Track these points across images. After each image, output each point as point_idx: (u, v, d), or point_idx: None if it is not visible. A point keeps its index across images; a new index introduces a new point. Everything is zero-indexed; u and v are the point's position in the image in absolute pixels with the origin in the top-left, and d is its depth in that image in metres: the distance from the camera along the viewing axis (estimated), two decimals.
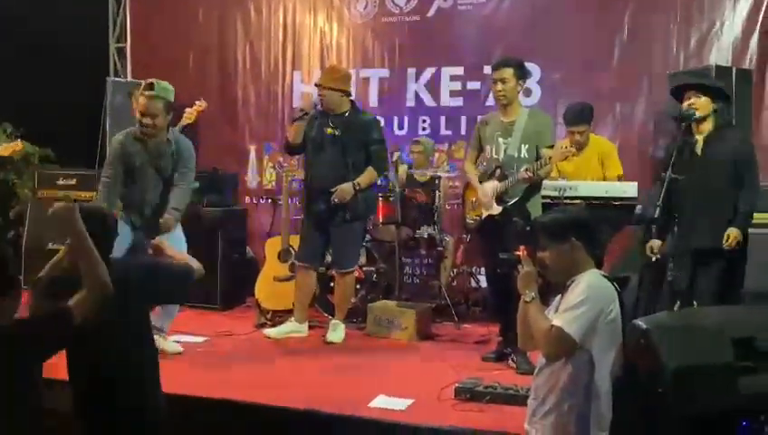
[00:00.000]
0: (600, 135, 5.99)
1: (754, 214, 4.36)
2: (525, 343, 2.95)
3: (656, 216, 3.91)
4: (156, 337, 4.78)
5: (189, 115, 5.52)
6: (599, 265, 2.88)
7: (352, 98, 5.34)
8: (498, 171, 4.70)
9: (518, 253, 2.91)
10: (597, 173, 5.47)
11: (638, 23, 6.25)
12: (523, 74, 4.74)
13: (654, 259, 4.19)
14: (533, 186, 4.67)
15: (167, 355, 4.47)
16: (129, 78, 7.46)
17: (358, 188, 5.12)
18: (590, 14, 6.39)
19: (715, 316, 3.23)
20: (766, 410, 3.12)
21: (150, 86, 4.58)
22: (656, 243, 4.27)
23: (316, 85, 5.23)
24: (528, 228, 4.35)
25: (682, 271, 4.11)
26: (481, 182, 4.78)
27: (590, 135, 5.52)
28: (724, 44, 6.01)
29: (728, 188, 4.14)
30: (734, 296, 4.15)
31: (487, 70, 6.60)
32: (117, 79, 7.34)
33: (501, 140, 4.71)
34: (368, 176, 5.18)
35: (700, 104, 4.19)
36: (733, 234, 4.05)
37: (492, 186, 4.69)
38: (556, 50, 6.46)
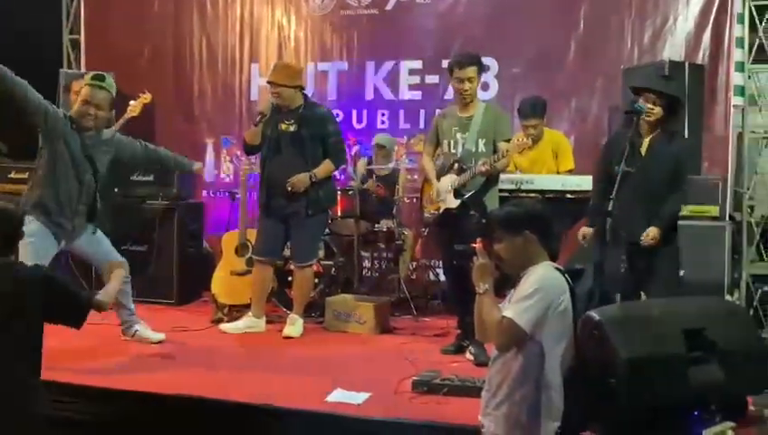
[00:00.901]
0: (557, 129, 6.04)
1: (694, 207, 4.68)
2: (481, 334, 2.96)
3: (610, 208, 3.94)
4: (137, 326, 4.78)
5: (134, 108, 5.44)
6: (553, 258, 2.90)
7: (305, 91, 5.31)
8: (456, 165, 4.71)
9: (474, 245, 2.92)
10: (551, 166, 5.54)
11: (594, 18, 6.30)
12: (482, 70, 4.78)
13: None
14: (490, 179, 4.70)
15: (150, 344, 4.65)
16: (83, 69, 7.32)
17: (314, 179, 5.09)
18: (546, 9, 6.43)
19: (666, 308, 3.27)
20: (717, 400, 3.18)
21: (101, 77, 4.50)
22: (587, 230, 4.38)
23: (269, 83, 5.17)
24: (484, 221, 4.36)
25: (619, 262, 4.16)
26: (439, 177, 4.79)
27: (543, 129, 5.57)
28: (677, 40, 6.09)
29: (662, 190, 4.22)
30: (672, 287, 4.22)
31: (446, 64, 6.67)
32: (70, 71, 7.19)
33: (458, 134, 4.72)
34: (325, 167, 5.16)
35: (657, 110, 4.23)
36: (653, 232, 4.14)
37: (449, 180, 4.70)
38: (514, 45, 6.49)
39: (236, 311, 5.59)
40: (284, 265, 5.75)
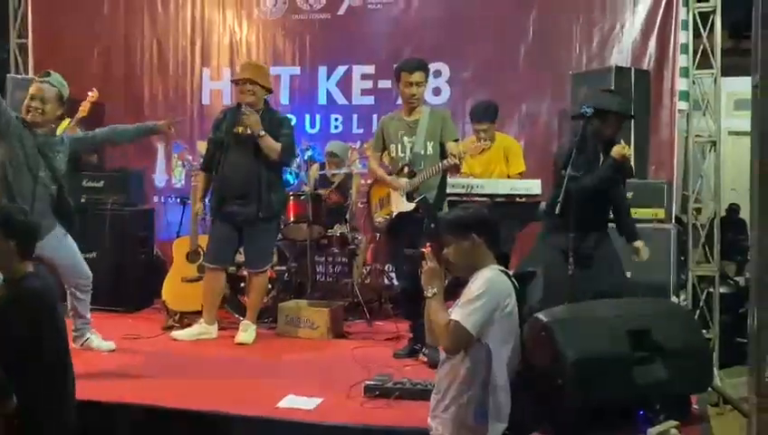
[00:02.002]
0: (507, 133, 6.11)
1: (641, 209, 4.89)
2: (431, 337, 2.99)
3: (557, 211, 4.00)
4: (88, 335, 4.71)
5: (83, 108, 5.37)
6: (502, 261, 2.94)
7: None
8: (406, 169, 4.73)
9: (423, 249, 2.94)
10: (502, 169, 5.60)
11: (543, 24, 6.39)
12: (428, 75, 4.84)
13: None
14: (441, 184, 4.72)
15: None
16: (31, 74, 7.17)
17: (262, 135, 5.02)
18: (497, 14, 6.50)
19: (611, 309, 3.34)
20: (661, 399, 3.25)
21: (47, 74, 4.53)
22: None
23: (244, 81, 5.12)
24: (433, 226, 4.39)
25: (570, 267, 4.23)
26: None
27: (495, 132, 5.63)
28: (624, 46, 6.20)
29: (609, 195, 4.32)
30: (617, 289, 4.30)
31: None
32: (17, 76, 7.04)
33: (406, 138, 4.75)
34: (273, 144, 5.06)
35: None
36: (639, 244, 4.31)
37: (403, 182, 4.72)
38: (465, 50, 6.55)
39: (188, 318, 5.54)
40: (237, 271, 5.71)
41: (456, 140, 4.76)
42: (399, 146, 4.77)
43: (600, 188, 4.21)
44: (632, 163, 4.84)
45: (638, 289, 4.39)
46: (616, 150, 4.20)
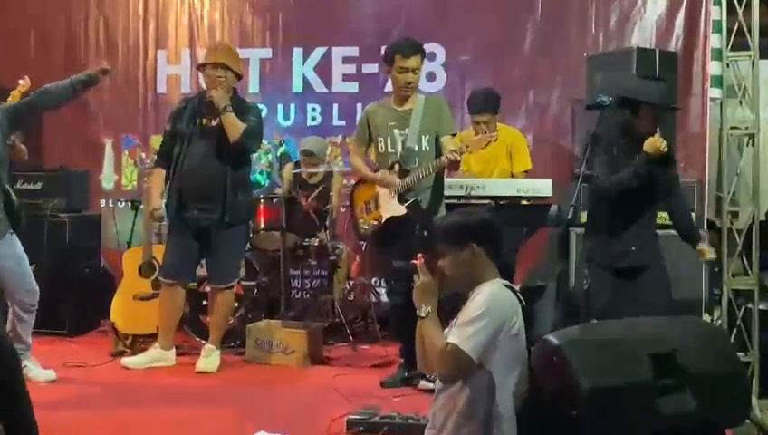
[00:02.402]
0: (513, 126, 6.15)
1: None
2: (423, 364, 2.99)
3: (569, 217, 4.03)
4: (26, 363, 4.70)
5: (13, 98, 5.36)
6: (506, 274, 2.96)
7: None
8: (396, 167, 4.74)
9: (414, 262, 2.96)
10: (505, 167, 5.63)
11: (552, 2, 6.45)
12: (424, 59, 4.85)
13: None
14: (437, 184, 4.75)
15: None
16: None
17: (228, 109, 5.03)
18: None
19: (632, 330, 3.35)
20: (690, 433, 3.26)
21: None
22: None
23: (215, 65, 5.13)
24: (426, 234, 4.41)
25: (600, 282, 4.26)
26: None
27: (496, 125, 5.66)
28: (647, 24, 6.28)
29: (657, 200, 4.36)
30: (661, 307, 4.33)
31: None
32: None
33: (396, 131, 4.77)
34: (236, 122, 5.06)
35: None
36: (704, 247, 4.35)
37: (394, 181, 4.73)
38: (463, 30, 6.59)
39: (141, 342, 5.53)
40: (198, 286, 5.71)
41: (454, 135, 4.78)
42: (389, 139, 4.78)
43: (624, 188, 4.23)
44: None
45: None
46: (649, 143, 4.15)
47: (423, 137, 4.73)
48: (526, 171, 5.66)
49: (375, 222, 4.85)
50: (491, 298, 2.80)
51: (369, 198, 4.91)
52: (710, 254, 4.37)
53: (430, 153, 4.71)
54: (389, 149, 4.78)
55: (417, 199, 4.68)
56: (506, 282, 2.91)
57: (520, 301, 2.86)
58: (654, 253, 4.34)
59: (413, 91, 4.78)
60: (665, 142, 4.20)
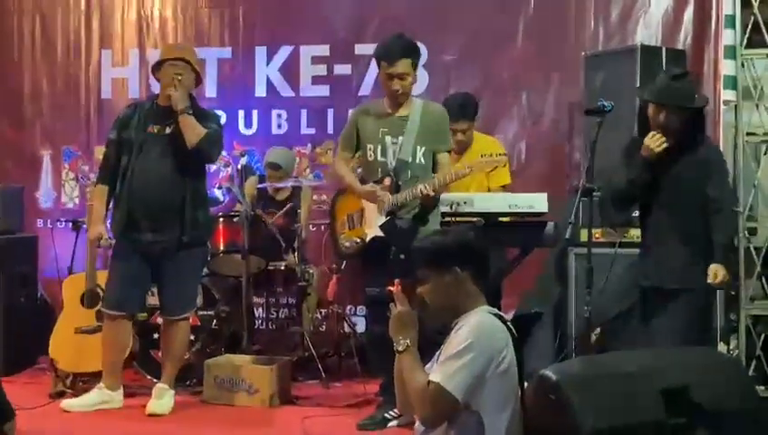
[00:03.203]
0: (504, 132, 6.18)
1: None
2: (402, 404, 2.98)
3: (567, 235, 4.05)
4: None
5: None
6: (494, 301, 2.96)
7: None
8: (387, 180, 4.72)
9: (391, 288, 2.95)
10: (481, 181, 5.65)
11: None
12: (417, 61, 4.84)
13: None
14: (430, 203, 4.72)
15: None
16: None
17: (189, 112, 5.01)
18: None
19: (640, 363, 3.35)
20: None
21: None
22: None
23: (175, 60, 5.11)
24: (402, 257, 4.38)
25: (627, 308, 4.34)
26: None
27: (474, 133, 5.69)
28: (652, 19, 6.32)
29: (698, 211, 4.31)
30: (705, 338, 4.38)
31: (360, 49, 6.76)
32: None
33: (388, 138, 4.75)
34: (194, 124, 5.03)
35: (674, 125, 4.25)
36: (718, 270, 4.20)
37: (389, 200, 4.70)
38: (447, 26, 6.62)
39: (84, 381, 5.49)
40: (149, 317, 5.68)
41: (450, 151, 4.78)
42: (379, 148, 4.77)
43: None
44: None
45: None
46: (643, 146, 4.21)
47: (418, 148, 4.70)
48: (504, 186, 5.68)
49: (358, 240, 4.83)
50: (478, 329, 2.79)
51: (353, 212, 4.89)
52: (721, 276, 4.25)
53: (426, 167, 4.71)
54: (379, 159, 4.76)
55: (392, 219, 4.63)
56: (494, 310, 2.90)
57: (510, 331, 2.85)
58: (693, 277, 4.26)
59: (405, 98, 4.77)
60: (661, 141, 4.19)
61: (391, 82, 4.72)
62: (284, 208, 6.16)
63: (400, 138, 4.73)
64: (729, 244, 4.40)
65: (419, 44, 6.32)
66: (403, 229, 4.64)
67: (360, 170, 4.99)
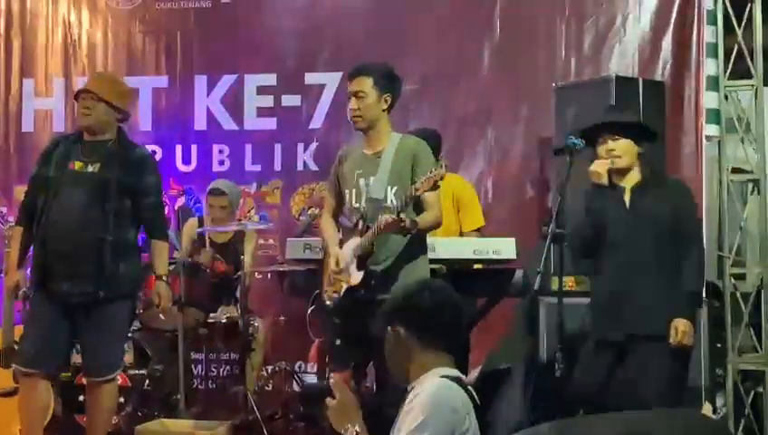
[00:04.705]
0: (469, 170, 6.22)
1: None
2: None
3: (536, 287, 4.05)
4: None
5: None
6: (462, 357, 2.93)
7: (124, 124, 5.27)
8: (360, 224, 4.67)
9: (330, 379, 2.94)
10: (451, 224, 5.62)
11: (514, 18, 6.56)
12: (389, 86, 4.76)
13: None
14: (414, 244, 4.65)
15: None
16: None
17: (166, 280, 5.11)
18: (450, 6, 6.67)
19: (614, 426, 3.35)
20: None
21: None
22: None
23: (84, 92, 5.08)
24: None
25: (594, 363, 4.33)
26: (342, 244, 4.74)
27: None
28: (627, 47, 6.40)
29: (665, 255, 4.39)
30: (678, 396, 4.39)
31: (311, 79, 6.78)
32: None
33: (362, 181, 4.70)
34: (163, 253, 5.14)
35: (622, 149, 4.45)
36: (681, 325, 4.28)
37: (354, 244, 4.65)
38: (405, 53, 6.60)
39: None
40: (72, 378, 5.61)
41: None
42: (354, 191, 4.72)
43: (581, 236, 4.42)
44: None
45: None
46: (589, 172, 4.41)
47: (390, 189, 4.65)
48: (478, 230, 5.68)
49: (335, 294, 4.77)
50: (431, 404, 2.73)
51: (332, 266, 4.84)
52: (681, 336, 4.28)
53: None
54: (354, 204, 4.71)
55: (390, 264, 4.59)
56: (454, 372, 2.84)
57: (472, 397, 2.82)
58: (661, 320, 4.34)
59: (363, 123, 4.70)
60: (602, 167, 4.43)
61: (349, 103, 4.70)
62: (225, 253, 6.10)
63: (372, 178, 4.69)
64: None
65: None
66: (378, 281, 4.55)
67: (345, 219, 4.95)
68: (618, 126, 4.51)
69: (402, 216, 4.36)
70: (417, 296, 2.95)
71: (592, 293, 4.63)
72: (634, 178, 4.50)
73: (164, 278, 5.09)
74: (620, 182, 4.49)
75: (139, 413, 5.77)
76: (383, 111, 4.69)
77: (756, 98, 6.07)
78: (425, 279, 4.10)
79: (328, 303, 4.79)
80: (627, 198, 4.48)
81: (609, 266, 4.44)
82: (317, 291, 5.05)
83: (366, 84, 4.65)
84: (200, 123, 6.99)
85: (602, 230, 4.42)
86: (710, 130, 6.11)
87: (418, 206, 4.56)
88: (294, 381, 6.36)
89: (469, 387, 2.83)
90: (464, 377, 2.89)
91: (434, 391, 2.78)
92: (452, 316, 2.96)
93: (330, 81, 6.75)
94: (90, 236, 4.98)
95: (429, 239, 5.18)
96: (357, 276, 4.58)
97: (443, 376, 2.83)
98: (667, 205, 4.43)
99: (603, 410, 4.04)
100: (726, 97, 6.12)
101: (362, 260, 4.58)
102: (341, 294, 4.67)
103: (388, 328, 2.85)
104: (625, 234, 4.40)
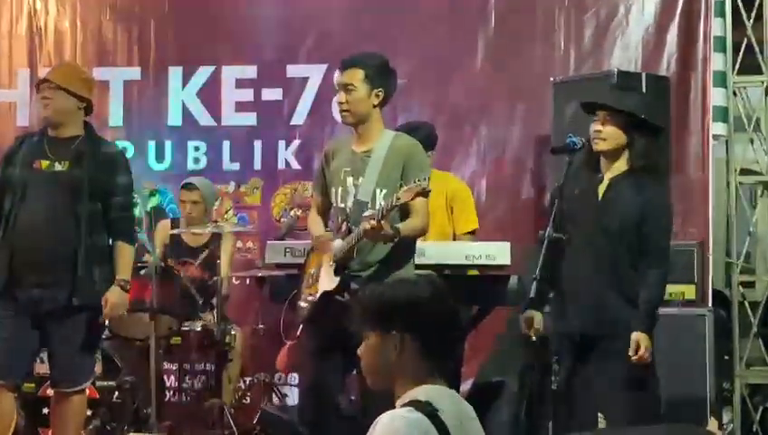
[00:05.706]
0: (461, 170, 6.22)
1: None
2: None
3: (532, 295, 4.06)
4: None
5: None
6: (454, 369, 2.91)
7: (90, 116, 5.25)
8: (344, 226, 4.66)
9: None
10: (443, 227, 5.63)
11: (510, 10, 6.57)
12: (382, 80, 4.75)
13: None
14: (400, 250, 4.64)
15: None
16: None
17: (128, 287, 5.04)
18: None
19: None
20: None
21: None
22: (536, 316, 4.41)
23: (43, 82, 5.07)
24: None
25: (564, 367, 4.32)
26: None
27: (431, 170, 5.69)
28: (630, 40, 6.41)
29: (629, 255, 4.36)
30: (646, 404, 4.35)
31: (293, 71, 6.78)
32: None
33: (350, 179, 4.69)
34: (125, 256, 5.08)
35: (607, 133, 4.41)
36: (642, 341, 4.22)
37: (338, 246, 4.65)
38: (395, 46, 6.57)
39: None
40: (37, 389, 5.61)
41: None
42: (340, 190, 4.72)
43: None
44: None
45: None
46: None
47: (379, 190, 4.65)
48: (472, 232, 5.69)
49: (311, 298, 4.76)
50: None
51: (316, 267, 4.84)
52: (643, 349, 4.23)
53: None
54: (340, 204, 4.71)
55: (373, 271, 4.58)
56: (430, 403, 2.70)
57: (438, 424, 2.67)
58: (623, 322, 4.32)
59: (351, 118, 4.69)
60: None
61: (337, 96, 4.70)
62: (201, 257, 6.11)
63: (361, 178, 4.69)
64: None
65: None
66: (362, 288, 4.51)
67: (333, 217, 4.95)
68: (610, 110, 4.43)
69: (383, 223, 4.34)
70: (425, 300, 2.77)
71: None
72: (619, 168, 4.43)
73: (122, 284, 5.04)
74: (605, 170, 4.45)
75: (108, 427, 5.75)
76: (374, 106, 4.67)
77: (766, 95, 6.08)
78: (423, 277, 4.02)
79: (303, 305, 4.81)
80: (602, 188, 4.42)
81: (570, 253, 4.40)
82: (295, 291, 5.04)
83: (356, 77, 4.64)
84: (175, 118, 6.99)
85: (572, 208, 4.41)
86: (717, 128, 6.12)
87: (405, 211, 4.56)
88: (274, 394, 6.36)
89: (437, 414, 2.65)
90: (454, 393, 2.80)
91: (397, 428, 2.57)
92: (457, 323, 2.87)
93: (313, 73, 6.76)
94: (61, 240, 4.97)
95: (419, 244, 5.19)
96: (333, 282, 4.60)
97: (424, 401, 2.69)
98: (639, 207, 4.36)
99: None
100: (735, 94, 6.14)
101: (340, 265, 4.59)
102: (317, 298, 4.70)
103: (380, 332, 2.72)
104: (593, 224, 4.36)
